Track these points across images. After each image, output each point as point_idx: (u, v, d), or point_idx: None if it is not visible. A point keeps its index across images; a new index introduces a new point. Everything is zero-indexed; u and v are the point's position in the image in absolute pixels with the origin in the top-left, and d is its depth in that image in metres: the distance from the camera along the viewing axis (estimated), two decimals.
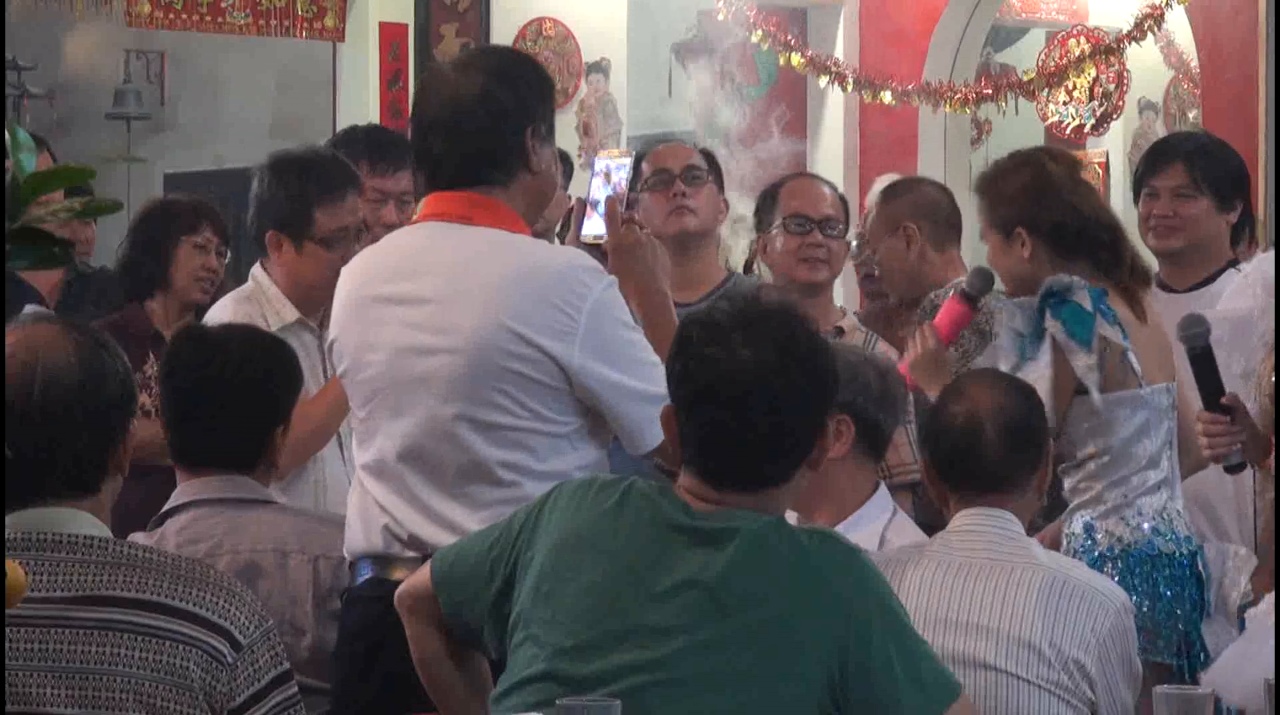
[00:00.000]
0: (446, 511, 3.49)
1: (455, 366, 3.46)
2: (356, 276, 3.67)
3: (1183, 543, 4.28)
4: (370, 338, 3.57)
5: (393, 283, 3.58)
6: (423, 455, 3.50)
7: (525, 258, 3.50)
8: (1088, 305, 4.25)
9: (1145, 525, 4.27)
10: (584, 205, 3.75)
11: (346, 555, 3.65)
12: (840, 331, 4.86)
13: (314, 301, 4.53)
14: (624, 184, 3.75)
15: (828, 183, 5.16)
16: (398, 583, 3.36)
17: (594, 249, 3.69)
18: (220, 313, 4.56)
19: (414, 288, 3.54)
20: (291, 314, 4.54)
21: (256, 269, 4.65)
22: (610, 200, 3.71)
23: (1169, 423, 4.34)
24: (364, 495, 3.59)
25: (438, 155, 3.59)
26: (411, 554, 3.49)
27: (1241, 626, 4.01)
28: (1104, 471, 4.28)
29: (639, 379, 3.47)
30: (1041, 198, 4.41)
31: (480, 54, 3.93)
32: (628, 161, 3.79)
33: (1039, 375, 4.18)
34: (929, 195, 5.41)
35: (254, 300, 4.58)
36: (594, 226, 3.74)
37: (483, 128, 3.56)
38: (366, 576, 3.58)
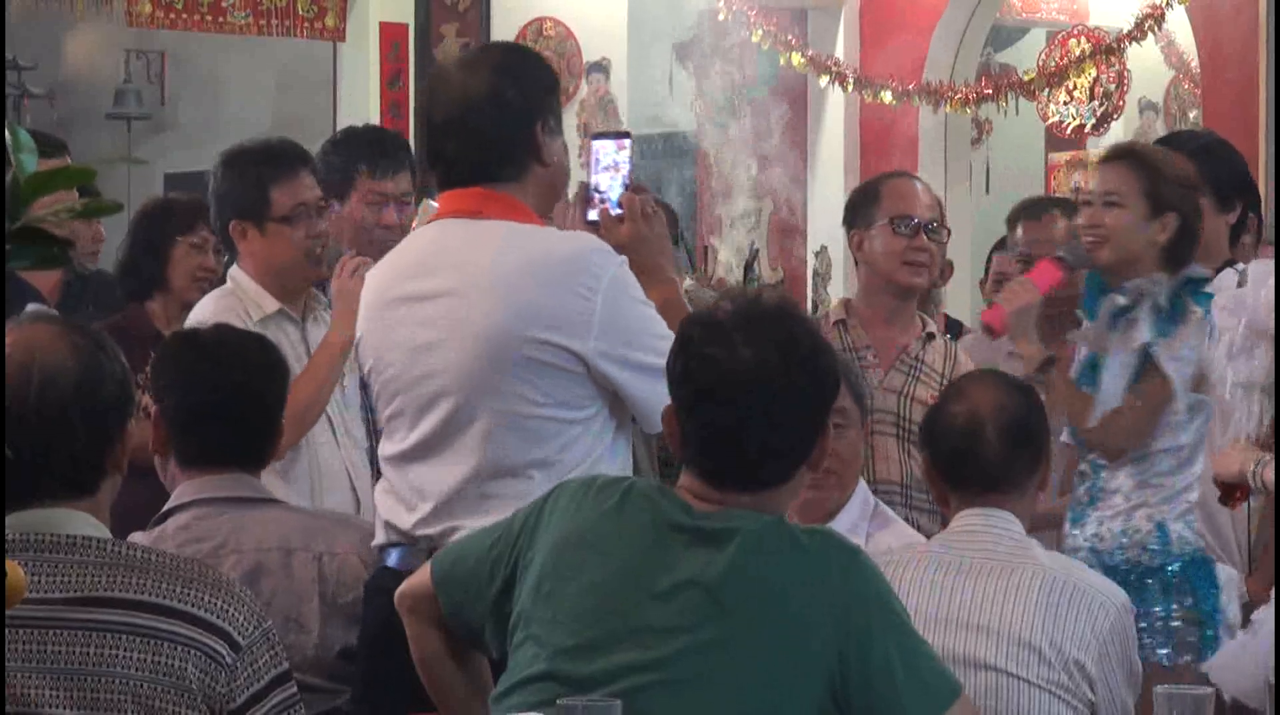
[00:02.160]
0: (456, 507, 3.52)
1: (471, 359, 3.49)
2: (377, 278, 3.73)
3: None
4: (388, 339, 3.63)
5: (408, 282, 3.63)
6: (441, 449, 3.54)
7: (535, 245, 3.54)
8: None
9: (1197, 528, 4.32)
10: (586, 189, 3.75)
11: (374, 547, 3.69)
12: (931, 337, 4.80)
13: (291, 288, 4.58)
14: (628, 172, 3.74)
15: (924, 182, 5.10)
16: (410, 573, 3.41)
17: (595, 229, 3.70)
18: (202, 311, 4.60)
19: (427, 285, 3.58)
20: (272, 305, 4.59)
21: (233, 269, 4.70)
22: (628, 196, 3.70)
23: None
24: (384, 491, 3.65)
25: (451, 157, 3.63)
26: (424, 545, 3.53)
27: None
28: (1174, 471, 4.30)
29: (657, 355, 3.49)
30: (1196, 196, 4.44)
31: (485, 52, 3.97)
32: (627, 143, 3.77)
33: (1188, 354, 4.20)
34: None
35: (234, 296, 4.63)
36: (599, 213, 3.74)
37: (493, 125, 3.59)
38: (384, 565, 3.63)
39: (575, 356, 3.47)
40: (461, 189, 3.63)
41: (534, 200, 3.62)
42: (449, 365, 3.51)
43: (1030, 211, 5.59)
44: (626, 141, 3.75)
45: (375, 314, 3.68)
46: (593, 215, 3.72)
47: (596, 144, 3.77)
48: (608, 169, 3.74)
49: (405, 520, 3.58)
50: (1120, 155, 4.47)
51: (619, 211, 3.69)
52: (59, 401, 2.76)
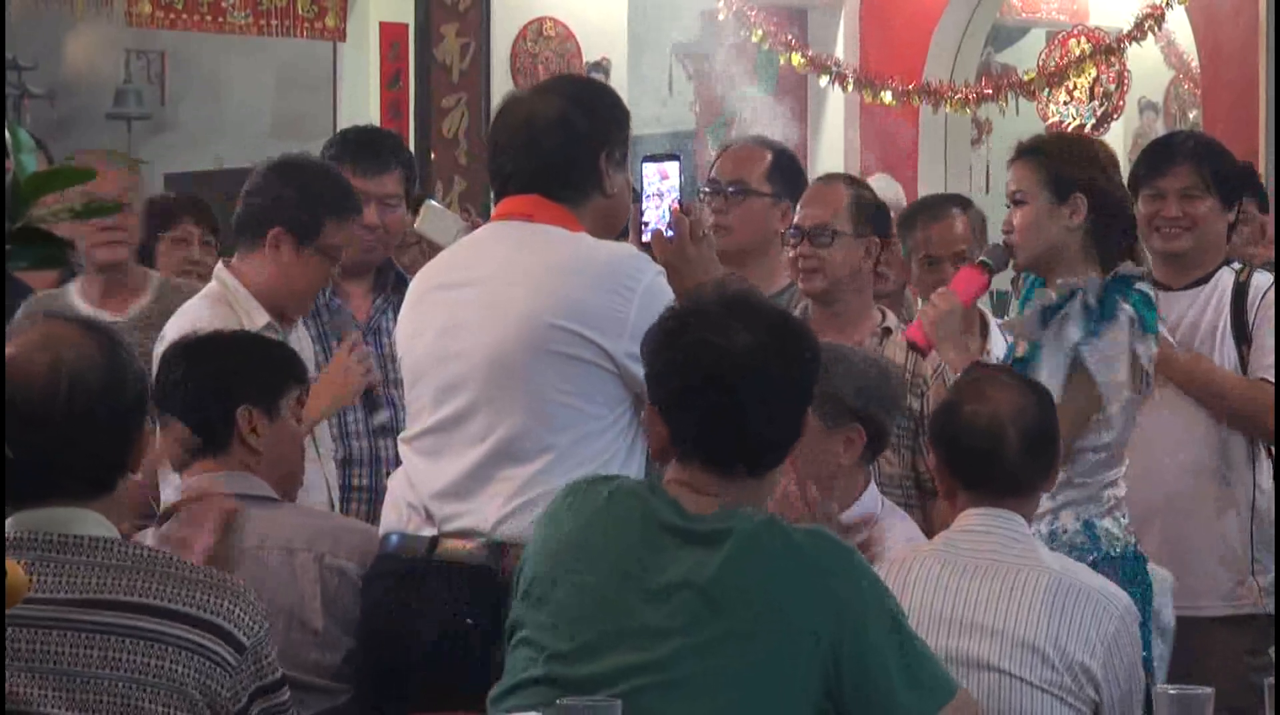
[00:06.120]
0: (468, 488, 3.54)
1: (499, 341, 3.53)
2: (423, 275, 3.79)
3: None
4: (421, 322, 3.69)
5: (450, 273, 3.70)
6: (458, 430, 3.56)
7: (579, 246, 3.58)
8: (1151, 294, 4.24)
9: (1130, 527, 4.27)
10: (639, 212, 3.80)
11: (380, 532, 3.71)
12: (888, 332, 4.79)
13: (288, 307, 4.46)
14: (676, 194, 3.77)
15: (845, 181, 5.06)
16: (409, 560, 3.46)
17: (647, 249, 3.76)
18: (195, 315, 4.35)
19: (467, 274, 3.64)
20: (261, 318, 4.37)
21: (221, 271, 4.48)
22: (677, 217, 3.73)
23: None
24: (398, 476, 3.69)
25: (509, 171, 3.67)
26: (428, 531, 3.55)
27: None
28: (1099, 468, 4.23)
29: None
30: (1110, 172, 4.36)
31: (559, 81, 4.07)
32: (675, 165, 3.80)
33: (1116, 353, 4.15)
34: None
35: (226, 303, 4.42)
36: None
37: (557, 147, 3.63)
38: (383, 551, 3.64)
39: (605, 354, 3.51)
40: (518, 195, 3.67)
41: (591, 228, 3.65)
42: (476, 346, 3.55)
43: (932, 212, 5.55)
44: (675, 164, 3.79)
45: (412, 304, 3.75)
46: (646, 237, 3.78)
47: (645, 166, 3.80)
48: (656, 192, 3.78)
49: (416, 501, 3.59)
50: (1020, 153, 4.44)
51: (670, 233, 3.73)
52: (87, 400, 2.76)
